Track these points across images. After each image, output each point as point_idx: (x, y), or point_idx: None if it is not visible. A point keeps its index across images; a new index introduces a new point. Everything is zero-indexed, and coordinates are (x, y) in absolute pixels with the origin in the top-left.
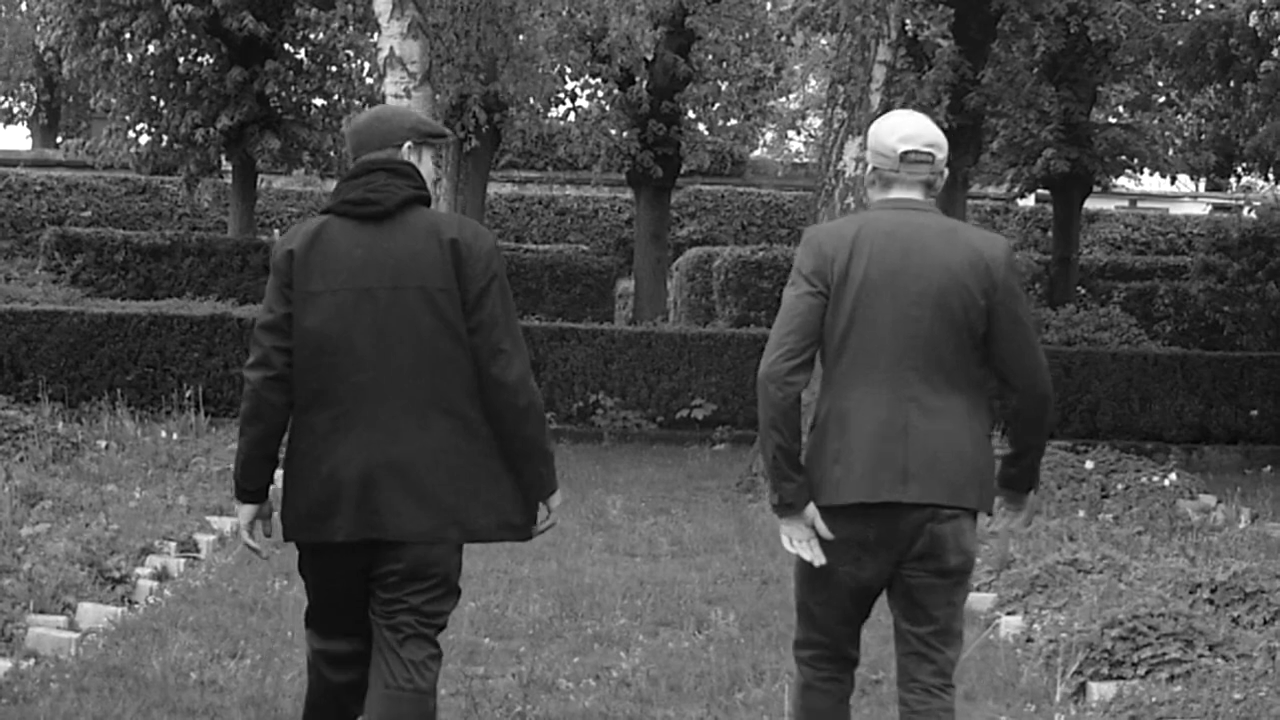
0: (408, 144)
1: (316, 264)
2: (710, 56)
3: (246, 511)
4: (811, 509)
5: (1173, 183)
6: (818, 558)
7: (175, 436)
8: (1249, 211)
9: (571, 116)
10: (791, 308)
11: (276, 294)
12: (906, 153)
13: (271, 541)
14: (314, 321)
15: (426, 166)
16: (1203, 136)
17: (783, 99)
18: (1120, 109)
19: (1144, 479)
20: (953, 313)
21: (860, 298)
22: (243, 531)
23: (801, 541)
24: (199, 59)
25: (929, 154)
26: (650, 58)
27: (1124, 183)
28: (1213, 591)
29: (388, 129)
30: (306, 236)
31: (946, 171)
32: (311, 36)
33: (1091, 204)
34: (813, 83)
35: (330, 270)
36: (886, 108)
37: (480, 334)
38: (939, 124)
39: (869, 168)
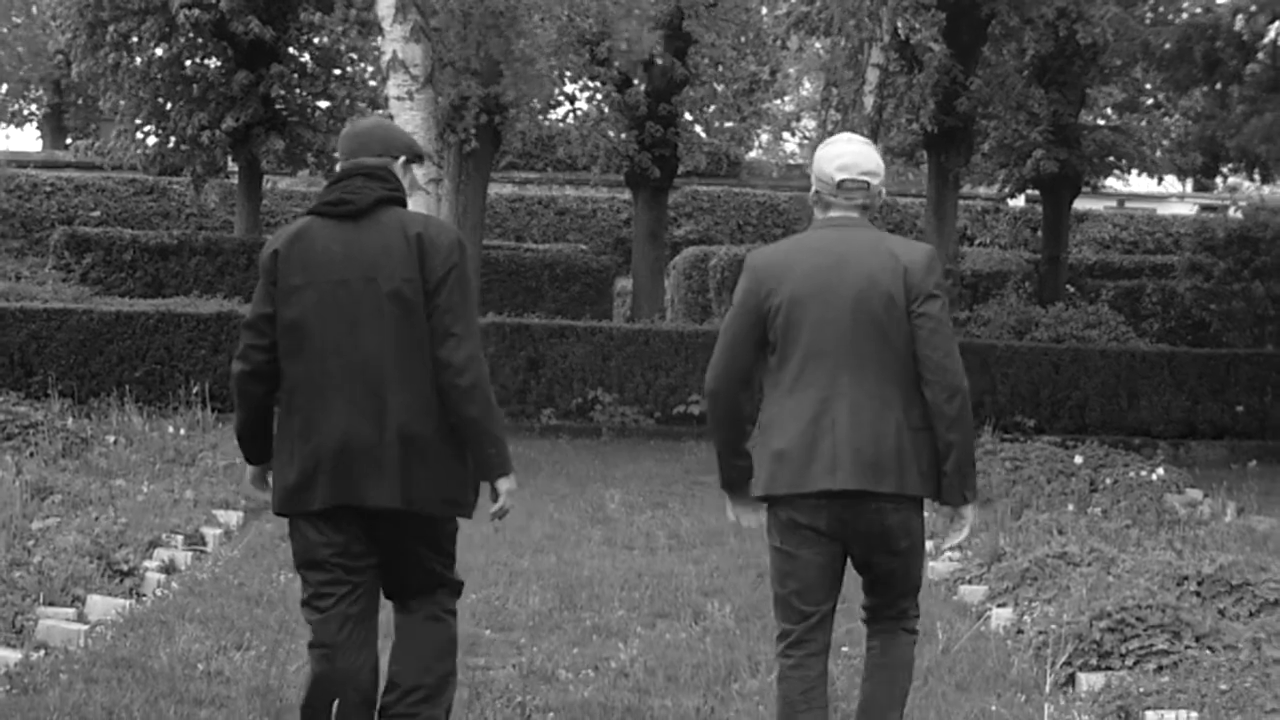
0: (403, 159)
1: (298, 260)
2: (707, 60)
3: (251, 471)
4: (750, 490)
5: (1160, 183)
6: (751, 524)
7: (182, 432)
8: (1235, 211)
9: (571, 119)
10: (727, 329)
11: (261, 293)
12: (842, 181)
13: (277, 533)
14: (295, 312)
15: (416, 172)
16: (1189, 138)
17: (777, 101)
18: (1108, 111)
19: (1132, 474)
20: (875, 314)
21: (791, 311)
22: (251, 485)
23: (743, 513)
24: (205, 62)
25: (864, 182)
26: (650, 60)
27: (1112, 183)
28: (1199, 584)
29: (389, 139)
30: (289, 236)
31: (883, 191)
32: (316, 40)
33: (1080, 204)
34: (807, 85)
35: (310, 265)
36: (879, 110)
37: (435, 317)
38: (924, 126)
39: (812, 189)
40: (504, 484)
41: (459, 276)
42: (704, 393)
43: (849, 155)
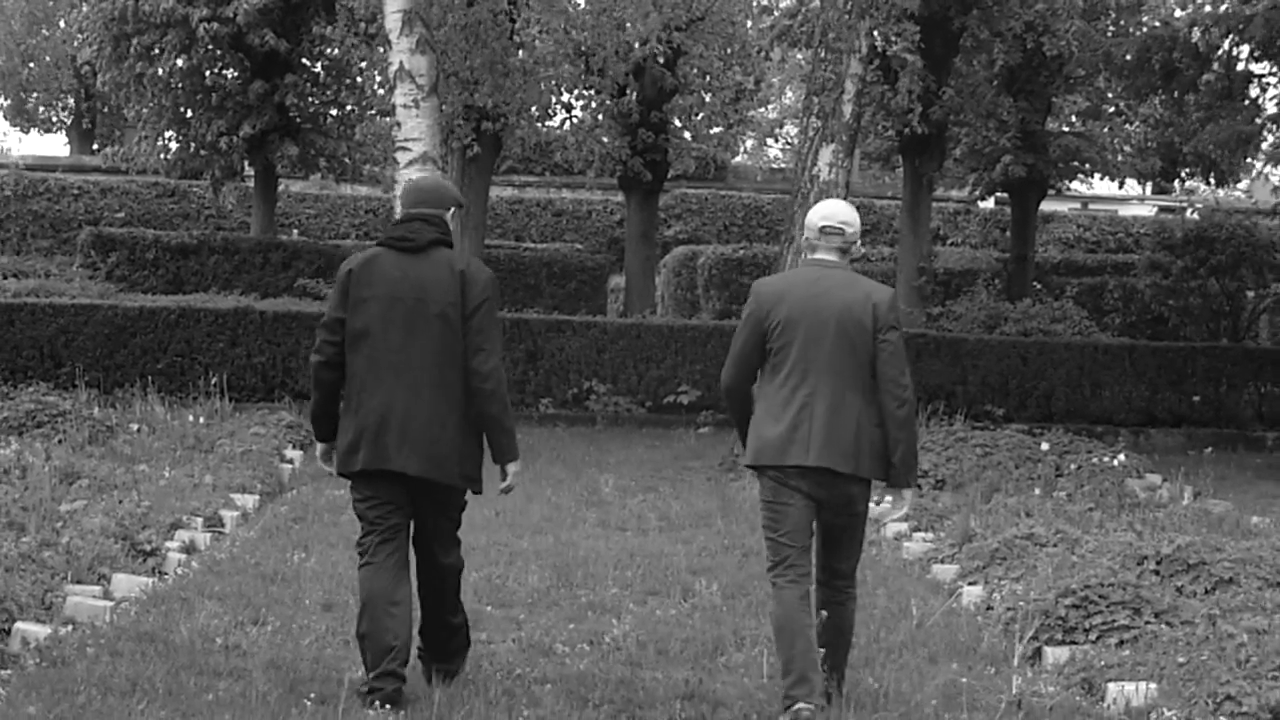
0: (453, 209)
1: (367, 279)
2: (695, 70)
3: (320, 447)
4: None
5: (1121, 186)
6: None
7: (202, 420)
8: (1192, 213)
9: (567, 125)
10: (740, 339)
11: (336, 301)
12: (824, 227)
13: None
14: (362, 319)
15: (454, 224)
16: (1149, 143)
17: (762, 109)
18: (1073, 118)
19: (1095, 460)
20: (848, 336)
21: (784, 329)
22: (319, 461)
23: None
24: (224, 72)
25: (840, 228)
26: (641, 70)
27: (1076, 186)
28: (1158, 563)
29: (442, 195)
30: (363, 260)
31: (859, 242)
32: (327, 51)
33: (1046, 206)
34: (789, 94)
35: (376, 283)
36: (857, 117)
37: (470, 335)
38: (912, 129)
39: (804, 237)
40: (512, 467)
41: (490, 306)
42: (722, 389)
43: (829, 209)
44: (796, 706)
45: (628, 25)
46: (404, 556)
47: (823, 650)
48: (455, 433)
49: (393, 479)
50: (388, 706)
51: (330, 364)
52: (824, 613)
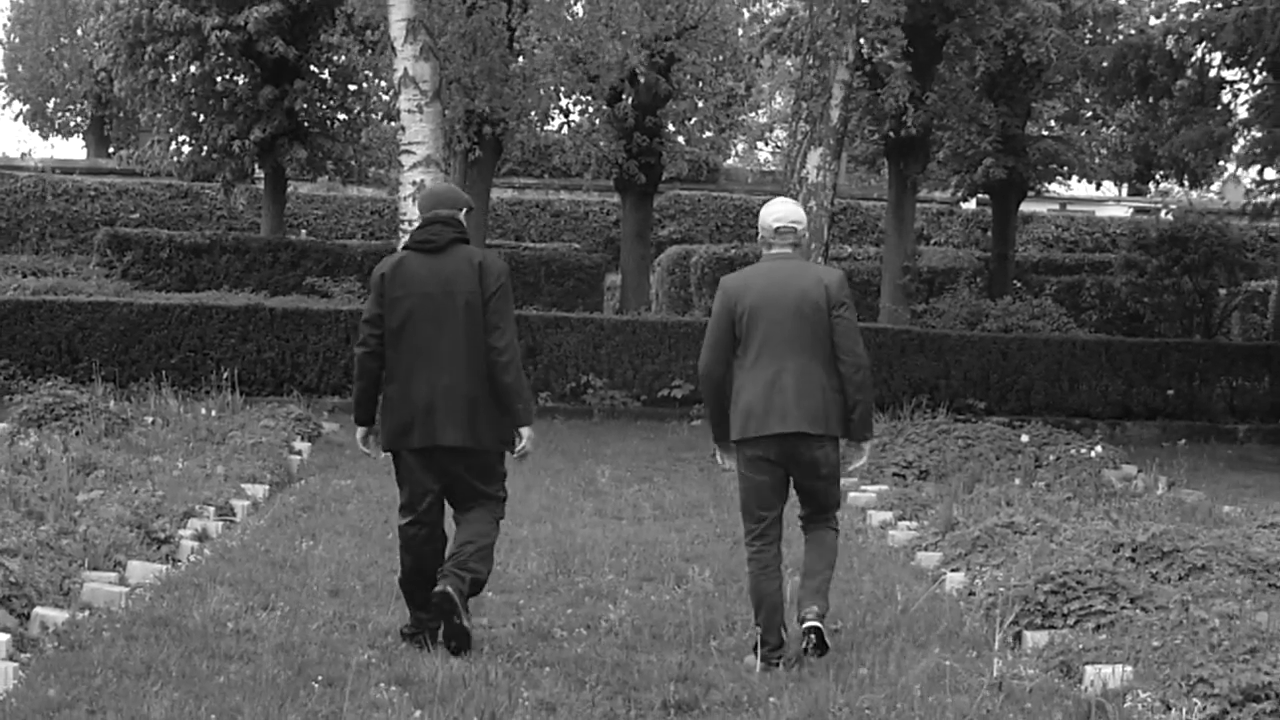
0: (464, 210)
1: (399, 279)
2: (688, 77)
3: (361, 431)
4: (729, 443)
5: (1098, 188)
6: (732, 466)
7: (214, 413)
8: (1166, 213)
9: (565, 130)
10: (712, 330)
11: (374, 300)
12: (778, 228)
13: (299, 505)
14: (398, 317)
15: (425, 179)
16: (1125, 147)
17: (753, 114)
18: (1051, 122)
19: (1072, 451)
20: (806, 316)
21: (751, 316)
22: (359, 444)
23: (727, 458)
24: (235, 79)
25: (792, 227)
26: (635, 77)
27: (1055, 188)
28: (1134, 551)
29: (455, 198)
30: (393, 264)
31: (806, 234)
32: (335, 59)
33: (1026, 207)
34: (779, 100)
35: (407, 283)
36: (844, 121)
37: (488, 316)
38: (905, 129)
39: (759, 237)
40: (526, 431)
41: (505, 291)
42: (699, 375)
43: (782, 211)
44: (764, 652)
45: (624, 33)
46: (440, 520)
47: (808, 574)
48: (487, 407)
49: (436, 453)
50: (445, 637)
51: (374, 354)
52: (809, 538)
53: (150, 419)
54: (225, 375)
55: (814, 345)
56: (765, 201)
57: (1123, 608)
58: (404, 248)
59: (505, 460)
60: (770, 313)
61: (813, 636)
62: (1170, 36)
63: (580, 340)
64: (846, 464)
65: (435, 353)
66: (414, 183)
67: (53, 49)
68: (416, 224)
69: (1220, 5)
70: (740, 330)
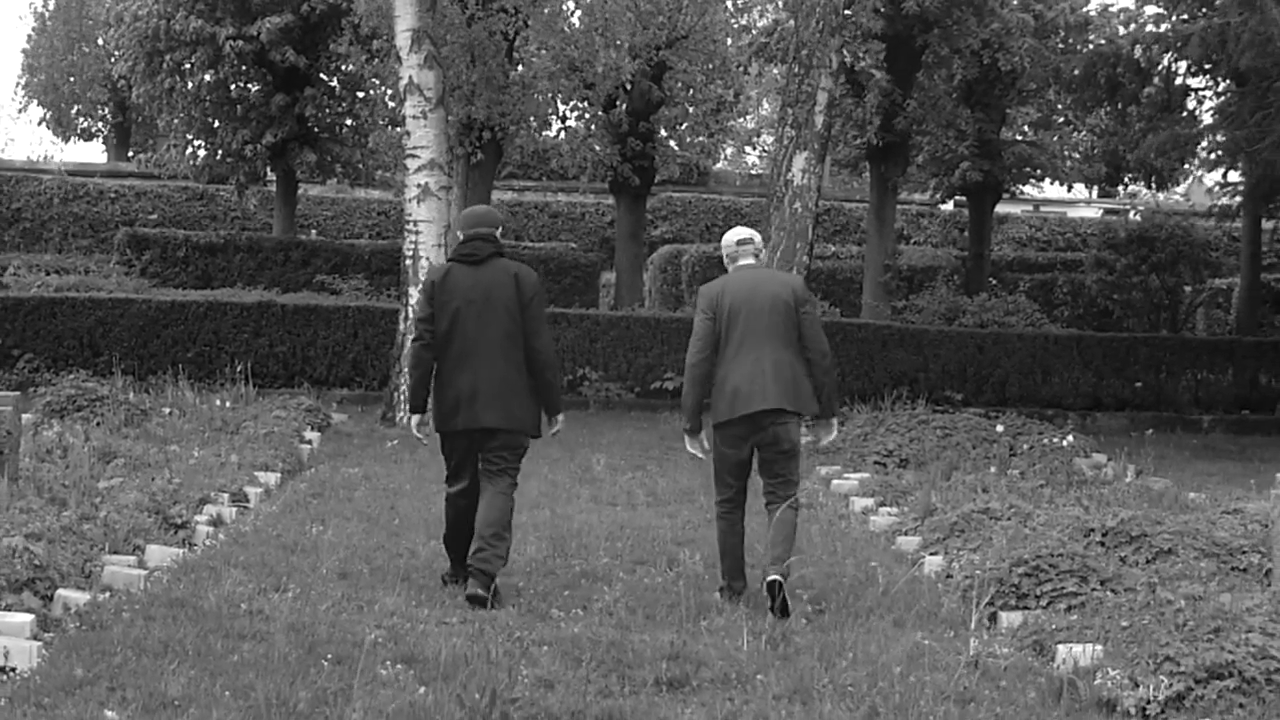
0: (499, 229)
1: (446, 287)
2: (680, 84)
3: (416, 419)
4: (703, 432)
5: (1070, 190)
6: (699, 454)
7: (228, 405)
8: (1134, 214)
9: (562, 135)
10: (699, 328)
11: (424, 303)
12: (739, 241)
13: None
14: (446, 319)
15: (430, 181)
16: (1095, 151)
17: (741, 120)
18: (1025, 128)
19: (1045, 440)
20: (779, 313)
21: (730, 316)
22: (413, 430)
23: (697, 449)
24: (248, 86)
25: (750, 238)
26: (629, 85)
27: (1029, 190)
28: (1104, 535)
29: (492, 218)
30: (441, 273)
31: (764, 249)
32: (343, 67)
33: (1001, 208)
34: (766, 106)
35: (454, 290)
36: (828, 127)
37: (527, 322)
38: (874, 139)
39: (725, 255)
40: (559, 416)
41: (539, 299)
42: (687, 366)
43: (740, 232)
44: (728, 592)
45: (618, 42)
46: (476, 485)
47: (773, 544)
48: (521, 395)
49: (478, 433)
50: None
51: (428, 346)
52: (772, 514)
53: (167, 410)
54: (239, 368)
55: (785, 337)
56: (753, 203)
57: (1093, 589)
58: (450, 260)
59: (528, 443)
60: (748, 312)
61: (775, 589)
62: (1138, 46)
63: (577, 335)
64: (816, 440)
65: (477, 349)
66: (419, 185)
67: (72, 58)
68: (460, 240)
69: (1186, 18)
70: (721, 328)
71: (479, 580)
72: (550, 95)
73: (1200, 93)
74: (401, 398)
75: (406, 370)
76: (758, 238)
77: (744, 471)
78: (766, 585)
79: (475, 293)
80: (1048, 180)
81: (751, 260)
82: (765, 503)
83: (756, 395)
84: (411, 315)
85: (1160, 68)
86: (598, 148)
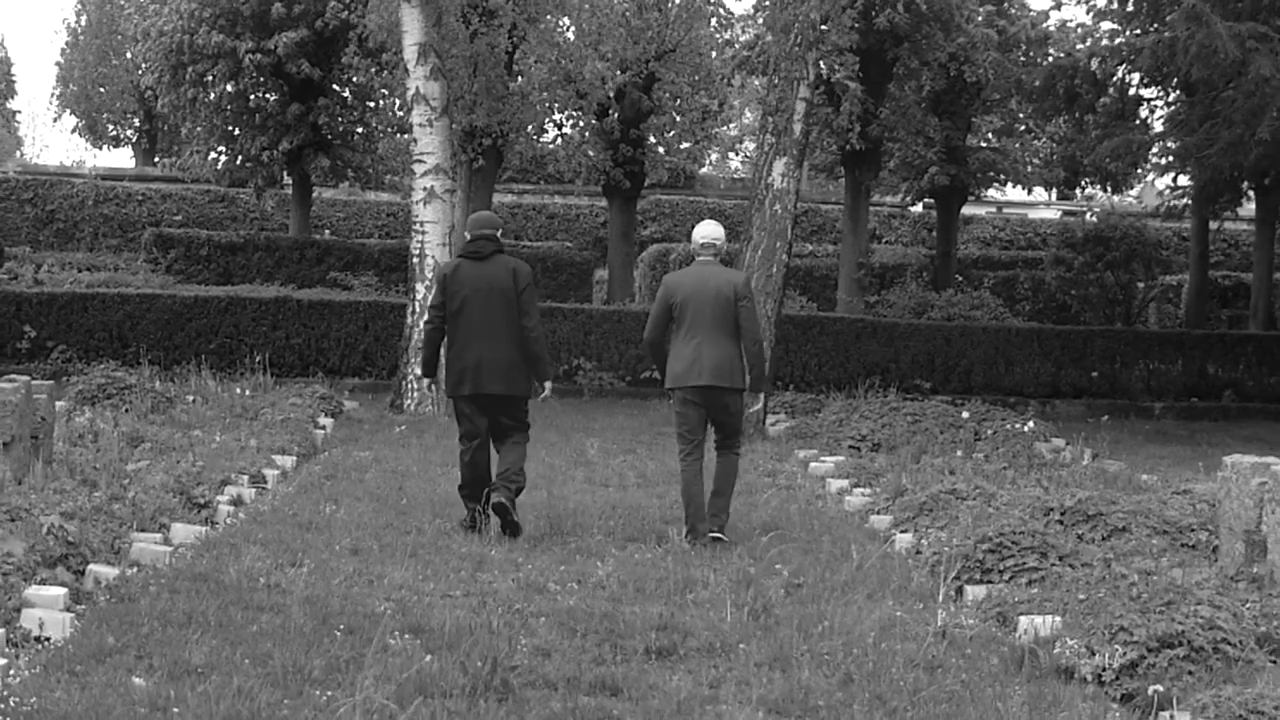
0: (500, 229)
1: (456, 278)
2: (668, 94)
3: (425, 381)
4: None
5: (1030, 193)
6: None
7: (248, 393)
8: (1090, 216)
9: (558, 141)
10: (655, 311)
11: (437, 293)
12: (703, 243)
13: (324, 474)
14: (456, 304)
15: (434, 184)
16: (1054, 156)
17: (725, 127)
18: (989, 135)
19: (1008, 426)
20: (723, 305)
21: (684, 303)
22: (426, 386)
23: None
24: (266, 96)
25: (713, 242)
26: (620, 95)
27: (993, 193)
28: (1062, 514)
29: (495, 221)
30: (451, 267)
31: (725, 247)
32: (354, 79)
33: (967, 210)
34: (748, 115)
35: (462, 281)
36: (806, 134)
37: (522, 306)
38: (851, 147)
39: (691, 246)
40: (548, 384)
41: (531, 288)
42: (643, 341)
43: (707, 230)
44: (693, 532)
45: (608, 55)
46: (487, 443)
47: (716, 493)
48: (518, 366)
49: (482, 399)
50: (495, 519)
51: (438, 329)
52: (720, 459)
53: (191, 398)
54: (258, 359)
55: (725, 325)
56: (737, 205)
57: (1052, 565)
58: (459, 256)
59: (529, 404)
60: (696, 302)
61: (717, 548)
62: (1095, 59)
63: (572, 328)
64: (748, 406)
65: (481, 329)
66: (425, 188)
67: (103, 70)
68: (467, 239)
69: (1139, 32)
70: (676, 313)
71: (503, 493)
72: (547, 105)
73: (1152, 102)
74: (410, 386)
75: (420, 345)
76: (720, 240)
77: (699, 428)
78: (709, 542)
79: (480, 283)
80: (1010, 184)
81: (710, 258)
82: (716, 449)
83: (693, 374)
84: (419, 309)
85: (1115, 79)
86: (591, 153)
